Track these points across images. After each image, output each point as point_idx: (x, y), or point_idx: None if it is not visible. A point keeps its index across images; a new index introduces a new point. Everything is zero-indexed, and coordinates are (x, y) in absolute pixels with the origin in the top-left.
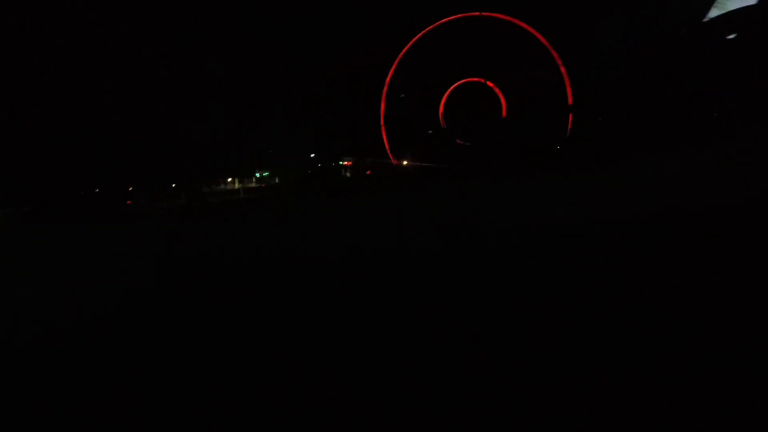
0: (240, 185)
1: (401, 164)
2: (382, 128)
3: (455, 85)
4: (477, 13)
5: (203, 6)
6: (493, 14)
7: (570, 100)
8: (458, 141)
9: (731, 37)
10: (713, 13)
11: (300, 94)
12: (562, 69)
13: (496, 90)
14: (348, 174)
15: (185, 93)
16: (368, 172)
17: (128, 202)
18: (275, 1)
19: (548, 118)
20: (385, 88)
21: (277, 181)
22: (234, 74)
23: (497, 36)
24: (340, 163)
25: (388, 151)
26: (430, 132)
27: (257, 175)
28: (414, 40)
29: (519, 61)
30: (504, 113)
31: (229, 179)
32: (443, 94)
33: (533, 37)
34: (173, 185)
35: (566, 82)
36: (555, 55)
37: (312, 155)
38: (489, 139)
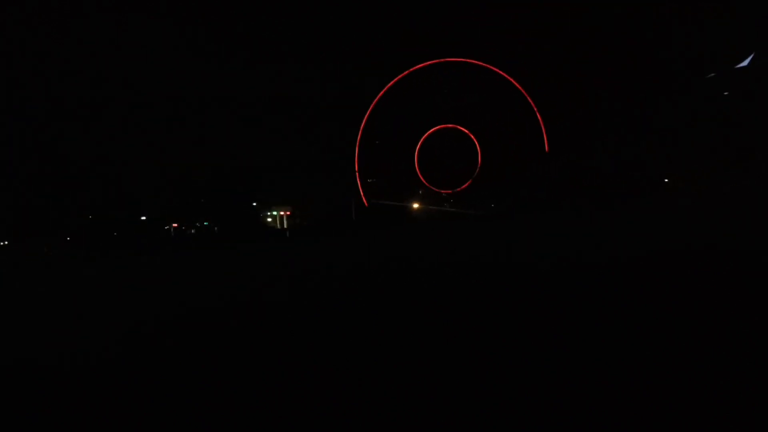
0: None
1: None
2: (357, 175)
3: (430, 131)
4: (452, 59)
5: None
6: (470, 60)
7: (546, 148)
8: (432, 188)
9: (726, 93)
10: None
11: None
12: (539, 116)
13: (471, 136)
14: (281, 223)
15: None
16: (303, 222)
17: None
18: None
19: (524, 164)
20: (360, 134)
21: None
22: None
23: (474, 82)
24: (273, 212)
25: (363, 196)
26: (405, 178)
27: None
28: (389, 85)
29: (495, 107)
30: (480, 160)
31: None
32: (418, 141)
33: (509, 84)
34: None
35: (542, 129)
36: (531, 101)
37: (254, 204)
38: (464, 186)
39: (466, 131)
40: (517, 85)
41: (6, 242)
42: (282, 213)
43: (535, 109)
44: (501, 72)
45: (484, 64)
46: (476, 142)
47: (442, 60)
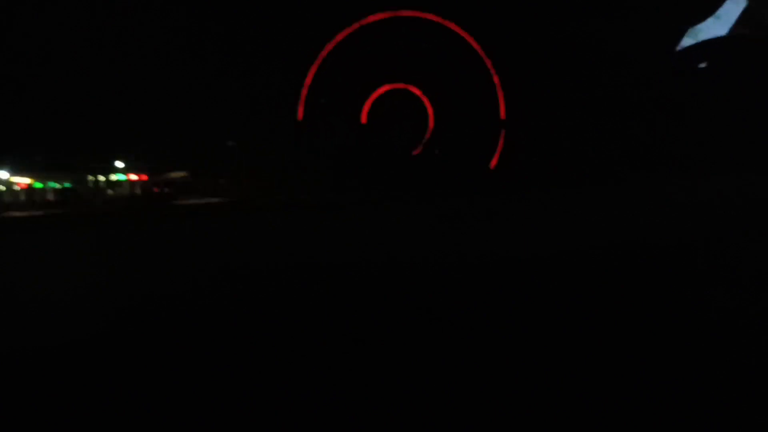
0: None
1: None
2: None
3: (379, 91)
4: (408, 13)
5: None
6: (424, 14)
7: (502, 114)
8: (381, 150)
9: (703, 66)
10: (686, 42)
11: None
12: (495, 78)
13: (423, 99)
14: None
15: None
16: (155, 189)
17: None
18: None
19: (478, 132)
20: (305, 91)
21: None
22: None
23: (428, 39)
24: (119, 176)
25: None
26: (353, 139)
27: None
28: (337, 39)
29: (449, 67)
30: (431, 124)
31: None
32: (366, 100)
33: (465, 42)
34: None
35: (499, 93)
36: (488, 62)
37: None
38: (414, 152)
39: (419, 93)
40: (475, 44)
41: None
42: (133, 178)
43: (493, 70)
44: (457, 28)
45: (440, 20)
46: (428, 106)
47: (392, 14)
